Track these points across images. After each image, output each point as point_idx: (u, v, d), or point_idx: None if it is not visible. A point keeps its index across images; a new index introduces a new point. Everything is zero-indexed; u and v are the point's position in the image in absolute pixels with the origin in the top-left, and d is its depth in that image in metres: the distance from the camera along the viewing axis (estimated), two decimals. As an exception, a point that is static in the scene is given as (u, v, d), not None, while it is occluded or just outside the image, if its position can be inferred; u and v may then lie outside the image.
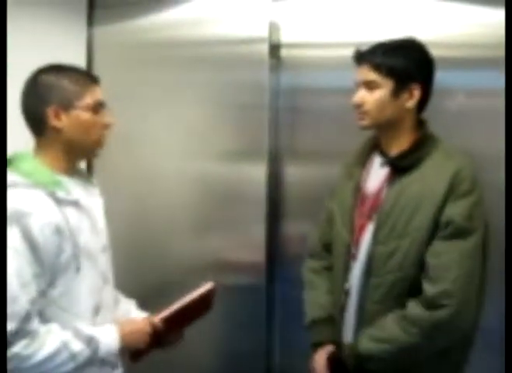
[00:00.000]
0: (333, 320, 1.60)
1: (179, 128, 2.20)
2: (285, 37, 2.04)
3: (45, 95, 1.30)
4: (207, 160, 2.17)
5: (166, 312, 1.45)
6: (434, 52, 1.58)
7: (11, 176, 1.27)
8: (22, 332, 1.18)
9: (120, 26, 2.26)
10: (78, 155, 1.38)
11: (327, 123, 1.99)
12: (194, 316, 1.54)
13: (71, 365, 1.25)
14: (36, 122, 1.32)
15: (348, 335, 1.56)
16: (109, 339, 1.32)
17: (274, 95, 2.04)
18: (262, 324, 2.11)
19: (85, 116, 1.32)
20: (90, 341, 1.28)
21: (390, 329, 1.44)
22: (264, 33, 2.01)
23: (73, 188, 1.35)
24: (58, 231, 1.24)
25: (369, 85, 1.46)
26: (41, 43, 2.08)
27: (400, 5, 1.89)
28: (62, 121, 1.30)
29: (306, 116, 2.05)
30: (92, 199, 1.43)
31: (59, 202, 1.27)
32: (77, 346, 1.25)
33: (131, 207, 2.29)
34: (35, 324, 1.22)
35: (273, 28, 2.02)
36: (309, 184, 2.03)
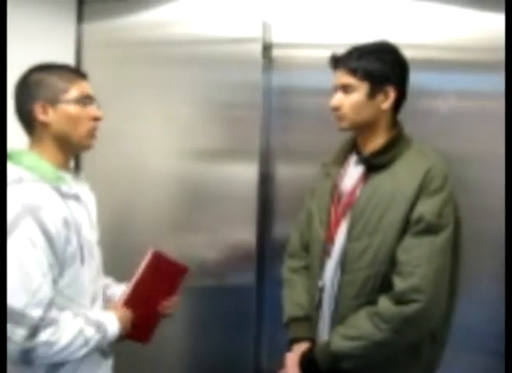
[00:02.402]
0: (310, 319, 1.61)
1: (170, 127, 2.19)
2: (277, 37, 2.04)
3: (32, 92, 1.34)
4: (198, 159, 2.16)
5: (126, 294, 1.52)
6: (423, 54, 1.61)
7: (16, 171, 1.30)
8: (47, 320, 1.24)
9: (110, 23, 2.24)
10: (69, 148, 1.40)
11: (319, 122, 1.99)
12: (164, 283, 1.62)
13: (84, 350, 1.31)
14: (26, 118, 1.36)
15: (323, 332, 1.57)
16: (112, 323, 1.39)
17: (266, 94, 2.04)
18: (252, 324, 2.11)
19: (72, 109, 1.36)
20: (99, 326, 1.35)
21: (362, 326, 1.45)
22: (257, 32, 2.01)
23: (71, 182, 1.40)
24: (66, 223, 1.30)
25: (346, 89, 1.49)
26: (30, 40, 2.05)
27: (392, 7, 1.90)
28: (49, 116, 1.34)
29: (298, 115, 2.05)
30: (85, 193, 1.47)
31: (63, 196, 1.33)
32: (90, 331, 1.32)
33: (119, 205, 2.27)
34: (54, 311, 1.27)
35: (266, 28, 2.02)
36: (300, 184, 2.02)
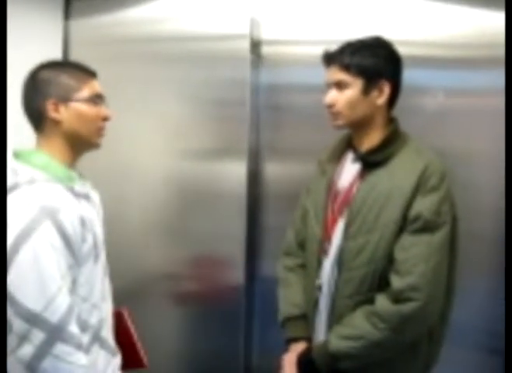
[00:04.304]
0: (307, 318, 1.60)
1: (158, 125, 2.17)
2: (265, 34, 2.03)
3: (44, 89, 1.33)
4: (186, 157, 2.15)
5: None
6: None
7: (27, 171, 1.29)
8: (68, 333, 1.22)
9: (98, 20, 2.23)
10: (79, 147, 1.40)
11: (308, 120, 1.99)
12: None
13: None
14: (36, 116, 1.36)
15: (320, 331, 1.56)
16: None
17: (254, 92, 2.03)
18: (241, 322, 2.10)
19: (83, 107, 1.35)
20: None
21: (360, 326, 1.44)
22: (245, 29, 2.00)
23: (79, 181, 1.39)
24: (83, 222, 1.30)
25: (340, 85, 1.47)
26: (17, 37, 2.02)
27: (383, 4, 1.90)
28: (61, 113, 1.34)
29: (287, 113, 2.04)
30: (91, 192, 1.47)
31: (76, 195, 1.33)
32: None
33: (108, 204, 2.24)
34: (76, 329, 1.25)
35: (254, 24, 2.01)
36: (289, 181, 2.03)
